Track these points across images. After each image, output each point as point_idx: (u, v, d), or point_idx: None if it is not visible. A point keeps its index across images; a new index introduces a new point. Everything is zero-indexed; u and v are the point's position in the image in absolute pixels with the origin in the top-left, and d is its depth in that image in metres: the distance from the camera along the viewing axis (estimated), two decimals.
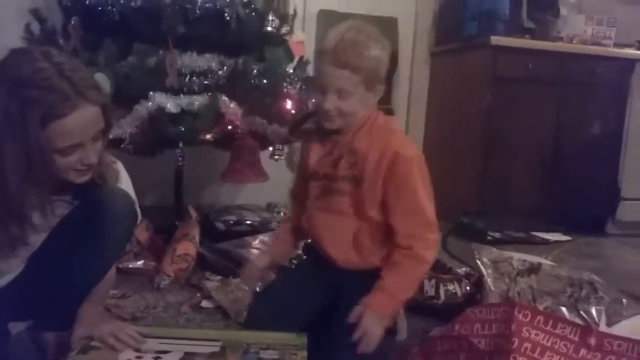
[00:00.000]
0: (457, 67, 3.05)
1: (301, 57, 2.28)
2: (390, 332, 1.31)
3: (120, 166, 1.35)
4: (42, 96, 1.04)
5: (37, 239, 1.21)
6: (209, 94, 1.87)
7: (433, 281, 1.67)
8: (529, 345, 0.99)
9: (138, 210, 1.31)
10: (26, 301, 1.21)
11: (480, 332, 1.05)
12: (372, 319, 1.20)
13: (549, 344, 1.00)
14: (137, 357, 1.11)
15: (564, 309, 1.47)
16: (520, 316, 1.01)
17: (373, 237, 1.32)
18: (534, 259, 1.65)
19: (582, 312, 1.46)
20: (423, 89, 3.21)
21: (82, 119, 1.07)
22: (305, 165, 1.41)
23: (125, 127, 1.80)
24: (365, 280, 1.28)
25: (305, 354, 1.16)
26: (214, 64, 1.91)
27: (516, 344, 0.99)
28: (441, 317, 1.50)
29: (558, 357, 0.99)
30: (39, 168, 1.08)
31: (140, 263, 1.94)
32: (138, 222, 1.31)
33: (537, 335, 1.00)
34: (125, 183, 1.34)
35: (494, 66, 2.78)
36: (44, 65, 1.06)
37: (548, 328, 1.01)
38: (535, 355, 0.98)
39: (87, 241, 1.20)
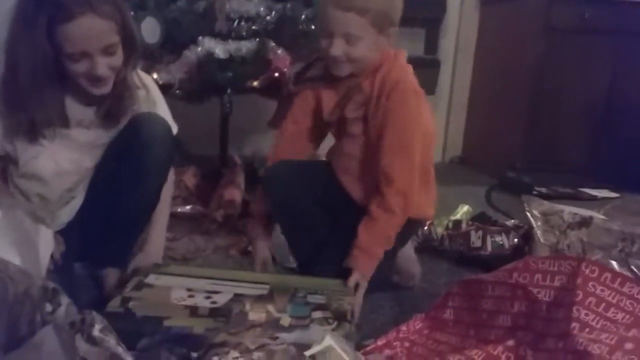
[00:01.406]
0: (508, 16, 2.93)
1: None
2: (383, 275, 1.35)
3: (154, 90, 1.38)
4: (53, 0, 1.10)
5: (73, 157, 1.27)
6: (257, 39, 1.86)
7: (480, 232, 1.66)
8: (594, 300, 0.97)
9: (175, 128, 1.34)
10: (85, 239, 1.26)
11: (540, 282, 1.04)
12: (356, 278, 1.26)
13: (614, 301, 0.98)
14: (189, 296, 1.14)
15: (614, 263, 1.44)
16: (587, 271, 0.99)
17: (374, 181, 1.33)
18: (586, 212, 1.61)
19: (633, 267, 1.43)
20: (471, 39, 3.09)
21: (86, 27, 1.12)
22: (318, 112, 1.40)
23: (174, 73, 1.81)
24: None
25: (352, 300, 1.18)
26: (262, 9, 1.88)
27: (580, 297, 0.97)
28: (487, 268, 1.49)
29: (623, 314, 0.97)
30: (44, 69, 1.14)
31: (188, 208, 1.98)
32: (176, 150, 1.34)
33: (602, 291, 0.98)
34: (162, 108, 1.38)
35: (547, 15, 2.65)
36: None
37: (615, 285, 0.99)
38: (599, 310, 0.97)
39: (127, 168, 1.24)
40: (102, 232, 1.26)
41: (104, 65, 1.16)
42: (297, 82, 1.51)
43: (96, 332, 0.62)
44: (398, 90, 1.28)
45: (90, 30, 1.13)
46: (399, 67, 1.34)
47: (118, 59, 1.20)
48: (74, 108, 1.26)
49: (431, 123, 1.40)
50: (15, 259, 0.71)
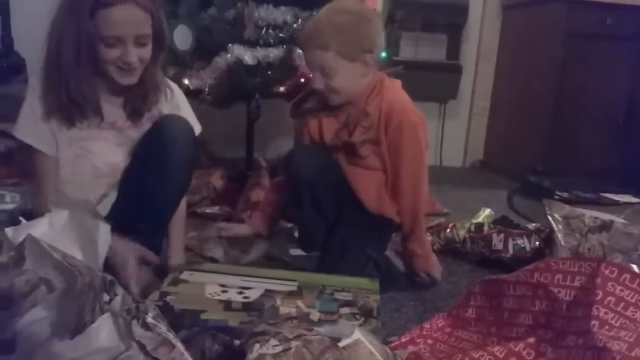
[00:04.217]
0: (530, 22, 2.96)
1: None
2: (377, 266, 1.45)
3: (179, 94, 1.45)
4: None
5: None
6: (284, 46, 1.92)
7: (502, 235, 1.69)
8: (613, 299, 0.99)
9: (197, 128, 1.41)
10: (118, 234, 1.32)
11: (561, 282, 1.06)
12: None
13: (633, 300, 0.99)
14: (223, 291, 1.19)
15: (634, 266, 1.46)
16: (607, 272, 1.01)
17: (388, 189, 1.43)
18: (606, 216, 1.63)
19: None
20: (493, 44, 3.13)
21: (125, 14, 1.20)
22: (318, 139, 1.47)
23: (205, 79, 1.88)
24: (370, 219, 1.42)
25: (377, 297, 1.22)
26: (289, 17, 1.95)
27: (600, 296, 0.99)
28: (508, 270, 1.52)
29: None
30: (87, 50, 1.21)
31: (216, 208, 2.04)
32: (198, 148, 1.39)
33: (622, 291, 1.00)
34: (185, 111, 1.43)
35: (568, 21, 2.67)
36: None
37: (634, 286, 1.00)
38: (619, 309, 0.99)
39: (152, 167, 1.30)
40: (131, 231, 1.30)
41: (134, 54, 1.23)
42: (295, 114, 1.56)
43: (149, 318, 0.68)
44: (407, 127, 1.38)
45: (129, 16, 1.21)
46: (395, 93, 1.43)
47: (147, 52, 1.27)
48: (107, 107, 1.33)
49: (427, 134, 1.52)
50: (77, 253, 0.78)
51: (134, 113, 1.35)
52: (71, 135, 1.30)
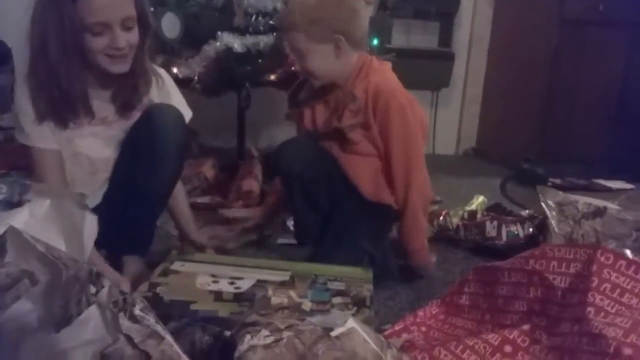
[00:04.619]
0: (522, 9, 2.93)
1: None
2: (373, 260, 1.44)
3: (169, 81, 1.42)
4: None
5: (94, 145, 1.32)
6: (274, 34, 1.89)
7: (495, 222, 1.69)
8: (609, 286, 0.99)
9: (188, 114, 1.40)
10: (107, 226, 1.30)
11: (556, 269, 1.06)
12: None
13: (629, 287, 0.99)
14: (214, 281, 1.18)
15: (628, 252, 1.46)
16: (603, 258, 1.01)
17: (384, 174, 1.41)
18: (600, 202, 1.63)
19: None
20: (485, 31, 3.10)
21: None
22: (312, 127, 1.45)
23: (194, 67, 1.85)
24: (367, 210, 1.40)
25: (370, 286, 1.22)
26: (278, 4, 1.92)
27: (596, 283, 0.99)
28: (502, 257, 1.52)
29: (637, 299, 0.99)
30: (74, 42, 1.17)
31: (207, 198, 2.02)
32: (190, 136, 1.44)
33: (617, 278, 1.00)
34: (176, 98, 1.41)
35: (561, 7, 2.65)
36: None
37: (629, 272, 1.00)
38: (614, 295, 0.98)
39: (143, 156, 1.29)
40: (123, 221, 1.30)
41: (123, 38, 1.20)
42: (292, 105, 1.54)
43: (137, 311, 0.67)
44: (394, 109, 1.35)
45: (111, 0, 1.17)
46: (383, 75, 1.41)
47: (135, 36, 1.23)
48: (97, 103, 1.30)
49: (425, 118, 1.49)
50: (61, 245, 0.76)
51: (125, 106, 1.32)
52: (65, 136, 1.28)
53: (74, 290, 0.63)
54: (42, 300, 0.65)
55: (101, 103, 1.31)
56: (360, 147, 1.40)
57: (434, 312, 1.24)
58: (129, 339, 0.65)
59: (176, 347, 0.67)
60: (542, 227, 1.63)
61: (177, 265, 1.25)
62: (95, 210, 1.33)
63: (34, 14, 1.19)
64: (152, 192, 1.32)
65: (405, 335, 1.18)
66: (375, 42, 2.15)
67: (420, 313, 1.23)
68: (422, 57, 2.89)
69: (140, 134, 1.31)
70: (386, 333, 1.18)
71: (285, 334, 0.72)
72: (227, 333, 0.75)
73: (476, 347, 1.05)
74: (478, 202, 1.94)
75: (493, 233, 1.68)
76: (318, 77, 1.38)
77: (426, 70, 2.88)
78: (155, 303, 1.07)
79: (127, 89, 1.30)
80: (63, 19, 1.15)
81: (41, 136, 1.26)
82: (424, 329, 1.21)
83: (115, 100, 1.31)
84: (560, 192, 1.65)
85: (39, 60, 1.21)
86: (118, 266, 1.31)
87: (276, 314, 0.76)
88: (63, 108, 1.24)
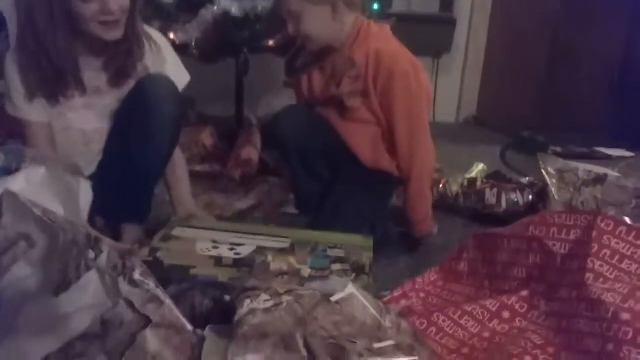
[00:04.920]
0: None
1: None
2: (373, 227, 1.41)
3: (164, 44, 1.38)
4: None
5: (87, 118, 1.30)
6: None
7: (495, 190, 1.69)
8: (608, 252, 0.99)
9: (186, 78, 1.38)
10: (104, 194, 1.30)
11: (556, 235, 1.05)
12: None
13: (628, 253, 0.99)
14: (214, 247, 1.18)
15: (628, 219, 1.46)
16: (603, 225, 1.01)
17: (385, 142, 1.39)
18: (600, 170, 1.63)
19: None
20: None
21: None
22: (308, 96, 1.43)
23: (191, 32, 1.81)
24: (366, 178, 1.40)
25: (370, 254, 1.22)
26: None
27: (595, 249, 0.99)
28: (501, 225, 1.52)
29: (636, 265, 0.99)
30: (61, 9, 1.13)
31: (206, 166, 2.02)
32: (184, 104, 1.39)
33: (617, 244, 1.00)
34: (172, 63, 1.38)
35: None
36: None
37: (630, 239, 1.00)
38: (614, 261, 0.98)
39: (136, 130, 1.26)
40: (120, 189, 1.30)
41: (115, 3, 1.16)
42: (290, 73, 1.51)
43: (137, 275, 0.67)
44: (398, 76, 1.32)
45: None
46: (384, 39, 1.37)
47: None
48: (89, 73, 1.27)
49: (429, 86, 1.47)
50: (59, 210, 0.75)
51: (119, 74, 1.29)
52: (57, 110, 1.26)
53: (72, 254, 0.63)
54: (40, 264, 0.65)
55: (93, 72, 1.28)
56: (359, 114, 1.38)
57: (432, 279, 1.24)
58: (129, 303, 0.65)
59: (176, 311, 0.67)
60: (542, 194, 1.63)
61: (178, 231, 1.25)
62: (91, 178, 1.33)
63: None
64: (147, 165, 1.31)
65: (403, 302, 1.19)
66: (375, 6, 2.10)
67: (419, 280, 1.24)
68: (423, 22, 2.84)
69: (133, 107, 1.28)
70: (385, 299, 1.19)
71: (285, 298, 0.72)
72: (227, 297, 0.75)
73: (474, 313, 1.06)
74: (478, 169, 1.94)
75: (493, 201, 1.68)
76: (314, 41, 1.35)
77: (427, 36, 2.83)
78: (156, 267, 1.07)
79: (120, 56, 1.26)
80: None
81: (32, 110, 1.24)
82: (422, 295, 1.21)
83: (108, 68, 1.28)
84: (561, 160, 1.65)
85: (27, 33, 1.17)
86: (117, 234, 1.31)
87: (276, 279, 0.77)
88: (54, 83, 1.22)
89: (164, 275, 1.03)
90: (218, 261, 1.12)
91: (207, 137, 2.08)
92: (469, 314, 1.06)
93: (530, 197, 1.66)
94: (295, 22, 1.32)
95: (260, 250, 1.18)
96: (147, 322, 0.65)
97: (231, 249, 1.18)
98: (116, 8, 1.16)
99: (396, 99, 1.34)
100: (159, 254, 1.13)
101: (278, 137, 1.44)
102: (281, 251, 1.18)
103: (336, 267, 1.14)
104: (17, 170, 0.94)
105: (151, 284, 0.67)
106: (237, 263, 1.11)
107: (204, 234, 1.24)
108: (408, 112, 1.35)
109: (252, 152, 2.02)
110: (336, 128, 1.41)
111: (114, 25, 1.19)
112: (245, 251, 1.17)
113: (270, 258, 1.13)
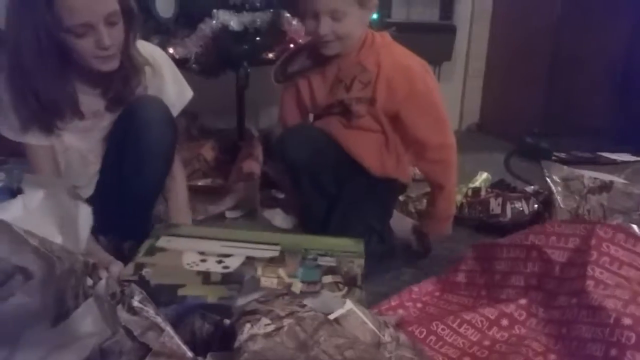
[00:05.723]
0: None
1: None
2: (382, 238, 1.43)
3: (165, 62, 1.36)
4: None
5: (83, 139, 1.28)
6: (272, 10, 1.85)
7: (499, 199, 1.67)
8: (607, 259, 0.99)
9: (188, 94, 1.38)
10: (104, 213, 1.29)
11: (555, 244, 1.06)
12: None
13: (627, 260, 1.00)
14: (202, 260, 1.14)
15: (635, 226, 1.44)
16: (602, 232, 1.01)
17: (390, 150, 1.40)
18: (606, 177, 1.61)
19: None
20: (487, 3, 3.03)
21: None
22: (309, 101, 1.41)
23: (190, 47, 1.81)
24: (373, 187, 1.40)
25: (362, 261, 1.17)
26: None
27: (595, 256, 0.99)
28: (506, 235, 1.51)
29: (635, 271, 1.00)
30: (50, 47, 1.10)
31: (208, 181, 2.01)
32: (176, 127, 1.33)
33: (616, 251, 1.00)
34: (171, 82, 1.35)
35: None
36: None
37: (628, 245, 1.01)
38: (613, 268, 0.99)
39: (129, 156, 1.26)
40: (118, 208, 1.28)
41: (109, 36, 1.12)
42: (280, 78, 1.50)
43: (135, 302, 0.65)
44: (414, 75, 1.33)
45: None
46: (393, 51, 1.38)
47: (120, 30, 1.16)
48: (86, 98, 1.25)
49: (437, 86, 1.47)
50: (56, 236, 0.74)
51: (117, 101, 1.27)
52: (56, 133, 1.25)
53: (69, 283, 0.62)
54: (37, 294, 0.63)
55: (91, 97, 1.26)
56: (364, 122, 1.38)
57: (429, 290, 1.24)
58: (128, 331, 0.64)
59: (177, 339, 0.66)
60: (548, 203, 1.61)
61: (163, 242, 1.20)
62: (90, 199, 1.33)
63: (7, 18, 1.11)
64: (142, 187, 1.30)
65: (400, 311, 1.19)
66: (375, 16, 2.10)
67: (415, 289, 1.24)
68: (423, 31, 2.83)
69: (125, 133, 1.26)
70: (382, 308, 1.18)
71: (286, 321, 0.70)
72: (227, 322, 0.74)
73: (473, 321, 1.06)
74: (482, 179, 1.92)
75: (497, 210, 1.66)
76: (343, 42, 1.33)
77: (427, 45, 2.79)
78: (142, 287, 1.02)
79: (117, 85, 1.24)
80: (37, 25, 1.08)
81: (30, 136, 1.23)
82: (419, 305, 1.21)
83: (106, 96, 1.26)
84: (566, 167, 1.63)
85: (15, 68, 1.14)
86: (120, 251, 1.30)
87: (276, 300, 0.75)
88: (48, 116, 1.19)
89: (151, 295, 1.00)
90: (206, 277, 1.08)
91: (208, 151, 2.08)
92: (468, 322, 1.06)
93: (536, 205, 1.64)
94: (336, 21, 1.29)
95: (250, 261, 1.13)
96: (146, 350, 0.64)
97: (219, 262, 1.13)
98: (110, 43, 1.13)
99: (421, 111, 1.36)
100: (144, 272, 1.08)
101: (287, 163, 1.43)
102: (271, 261, 1.14)
103: (327, 279, 1.09)
104: (19, 190, 0.94)
105: (150, 311, 0.66)
106: (226, 279, 1.07)
107: (190, 243, 1.20)
108: (428, 106, 1.37)
109: (254, 165, 2.01)
110: (339, 137, 1.40)
111: (110, 57, 1.17)
112: (233, 263, 1.12)
113: (259, 271, 1.09)
